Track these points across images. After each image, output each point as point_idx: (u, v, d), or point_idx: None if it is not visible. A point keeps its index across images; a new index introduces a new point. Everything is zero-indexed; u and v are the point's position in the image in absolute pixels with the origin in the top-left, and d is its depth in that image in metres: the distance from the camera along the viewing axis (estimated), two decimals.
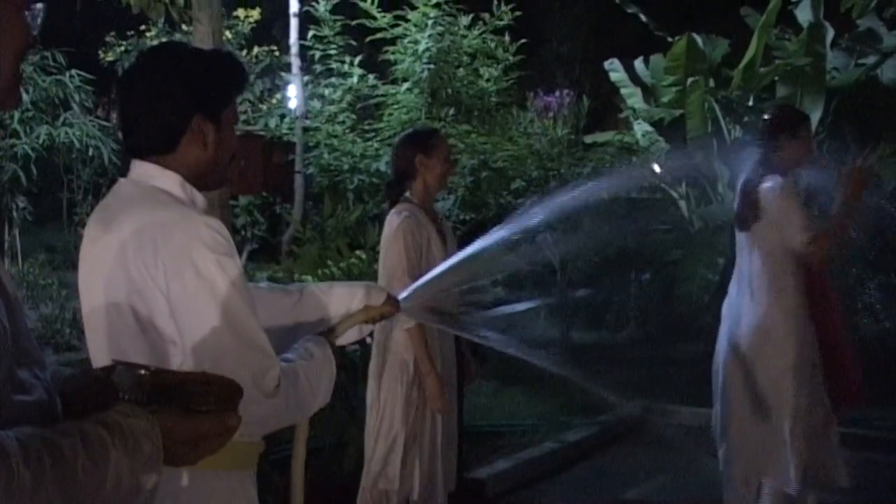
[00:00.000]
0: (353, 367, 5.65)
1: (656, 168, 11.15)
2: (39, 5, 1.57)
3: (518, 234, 3.23)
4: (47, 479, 1.27)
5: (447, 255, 4.59)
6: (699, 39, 10.44)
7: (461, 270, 3.06)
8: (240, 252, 2.29)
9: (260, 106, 13.25)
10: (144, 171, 2.27)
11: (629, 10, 12.06)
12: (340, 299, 2.60)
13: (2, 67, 1.49)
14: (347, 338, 2.59)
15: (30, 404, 1.45)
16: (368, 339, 2.87)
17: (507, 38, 12.13)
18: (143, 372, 1.58)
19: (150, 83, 2.26)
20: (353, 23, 11.70)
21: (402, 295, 2.81)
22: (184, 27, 12.29)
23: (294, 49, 12.01)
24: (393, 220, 4.69)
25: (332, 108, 12.05)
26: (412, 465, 4.72)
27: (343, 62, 11.96)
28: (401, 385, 4.70)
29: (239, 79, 2.40)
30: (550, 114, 13.25)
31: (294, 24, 11.98)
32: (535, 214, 3.11)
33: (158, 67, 2.29)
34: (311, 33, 11.87)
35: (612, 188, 3.70)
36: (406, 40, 11.49)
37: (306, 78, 12.30)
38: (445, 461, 4.82)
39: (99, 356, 2.20)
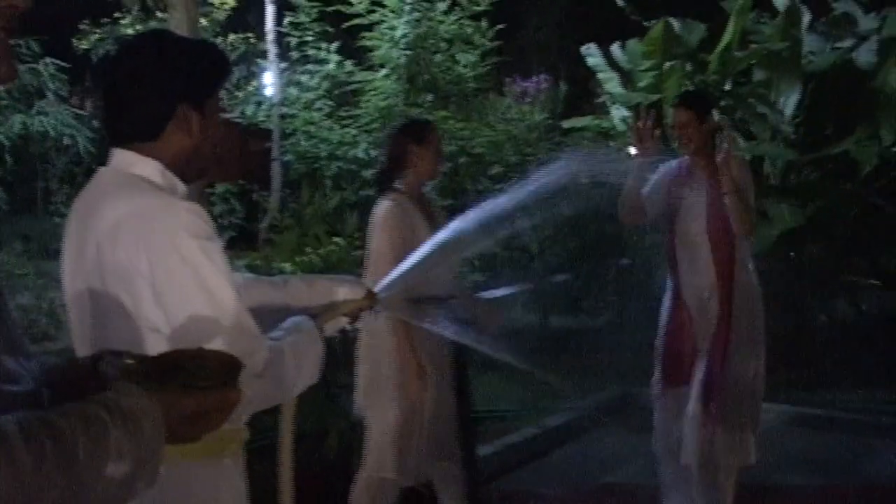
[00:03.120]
0: (332, 354, 5.62)
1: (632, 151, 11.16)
2: None
3: (486, 221, 3.24)
4: (48, 461, 1.25)
5: None
6: (676, 24, 10.39)
7: (434, 258, 3.13)
8: None
9: (236, 93, 13.18)
10: (124, 159, 2.28)
11: None
12: (323, 292, 2.65)
13: None
14: (325, 330, 2.60)
15: (18, 395, 1.44)
16: (348, 326, 2.90)
17: (483, 23, 12.11)
18: (129, 361, 1.56)
19: (137, 70, 2.27)
20: (330, 9, 11.64)
21: (378, 287, 2.84)
22: (158, 14, 12.25)
23: (270, 36, 11.97)
24: (379, 209, 4.75)
25: (310, 95, 12.00)
26: (407, 451, 4.75)
27: (320, 49, 11.90)
28: (392, 372, 4.74)
29: (223, 69, 2.44)
30: (528, 99, 13.28)
31: (270, 10, 11.92)
32: (503, 201, 3.17)
33: (145, 54, 2.30)
34: (287, 20, 11.81)
35: (584, 170, 3.79)
36: (383, 26, 11.44)
37: (283, 65, 12.24)
38: (441, 447, 4.86)
39: (83, 344, 2.21)
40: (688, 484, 5.22)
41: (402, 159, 4.85)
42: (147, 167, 2.26)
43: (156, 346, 2.09)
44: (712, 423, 5.06)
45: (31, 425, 1.27)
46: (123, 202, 2.17)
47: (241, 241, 12.63)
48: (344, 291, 2.67)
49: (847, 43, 9.91)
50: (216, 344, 2.05)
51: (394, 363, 4.73)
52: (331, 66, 11.93)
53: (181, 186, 2.31)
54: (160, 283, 2.09)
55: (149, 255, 2.09)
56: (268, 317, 2.38)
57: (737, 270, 5.12)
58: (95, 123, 13.33)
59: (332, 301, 2.64)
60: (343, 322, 2.69)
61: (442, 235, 3.20)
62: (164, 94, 2.26)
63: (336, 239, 6.52)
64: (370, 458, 4.82)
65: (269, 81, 12.32)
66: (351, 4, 11.34)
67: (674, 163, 5.32)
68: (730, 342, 5.08)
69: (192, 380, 1.51)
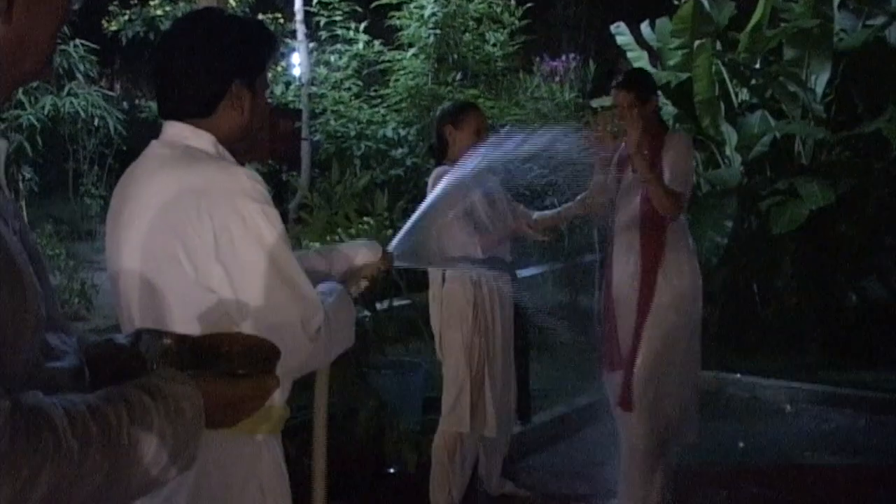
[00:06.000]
0: (363, 333, 5.67)
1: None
2: None
3: (478, 175, 3.80)
4: (93, 448, 1.28)
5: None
6: (706, 2, 10.35)
7: (436, 211, 3.39)
8: None
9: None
10: (178, 132, 2.31)
11: None
12: (344, 257, 2.73)
13: (43, 40, 1.51)
14: (351, 295, 2.67)
15: (62, 371, 1.45)
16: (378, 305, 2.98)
17: (512, 2, 12.09)
18: (167, 341, 1.58)
19: (192, 47, 2.30)
20: None
21: (391, 246, 2.96)
22: None
23: (299, 16, 11.93)
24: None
25: (338, 75, 12.02)
26: (480, 408, 5.24)
27: (348, 28, 11.91)
28: (461, 333, 5.19)
29: (272, 47, 2.46)
30: (557, 78, 13.21)
31: None
32: (492, 154, 3.53)
33: (200, 32, 2.33)
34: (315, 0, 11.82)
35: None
36: (412, 5, 11.44)
37: (311, 45, 12.24)
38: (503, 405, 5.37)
39: (128, 320, 2.23)
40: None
41: (443, 138, 5.39)
42: (201, 139, 2.29)
43: (218, 310, 2.13)
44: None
45: (78, 412, 1.29)
46: (183, 173, 2.19)
47: None
48: (362, 256, 2.74)
49: (879, 20, 9.83)
50: (278, 307, 2.13)
51: (467, 325, 5.17)
52: (359, 45, 11.93)
53: (231, 158, 2.33)
54: (224, 249, 2.12)
55: (213, 223, 2.11)
56: None
57: (666, 258, 5.00)
58: (125, 105, 13.37)
59: (351, 267, 2.72)
60: (363, 285, 2.75)
61: (443, 190, 3.49)
62: (219, 70, 2.30)
63: (366, 218, 6.52)
64: (446, 414, 5.24)
65: (298, 61, 12.29)
66: None
67: (623, 145, 5.07)
68: (642, 336, 5.01)
69: (232, 366, 1.54)
